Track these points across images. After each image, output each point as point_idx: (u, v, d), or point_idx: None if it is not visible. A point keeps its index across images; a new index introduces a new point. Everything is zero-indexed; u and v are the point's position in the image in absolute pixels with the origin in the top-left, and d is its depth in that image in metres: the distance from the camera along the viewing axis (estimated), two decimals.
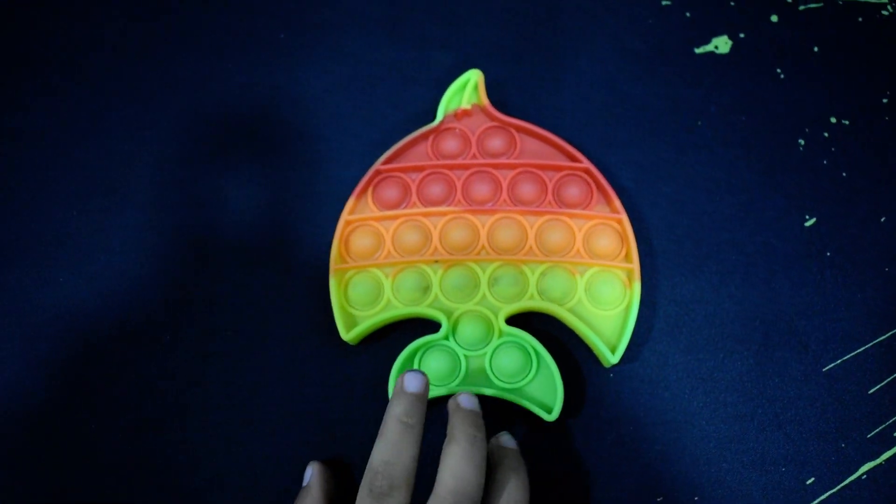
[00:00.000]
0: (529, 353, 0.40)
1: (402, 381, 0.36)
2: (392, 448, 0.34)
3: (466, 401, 0.36)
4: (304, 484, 0.38)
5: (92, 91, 0.47)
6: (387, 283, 0.42)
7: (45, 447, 0.41)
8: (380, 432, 0.34)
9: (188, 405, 0.41)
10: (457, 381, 0.40)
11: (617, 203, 0.42)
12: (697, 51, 0.47)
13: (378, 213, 0.43)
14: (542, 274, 0.42)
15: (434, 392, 0.39)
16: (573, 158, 0.43)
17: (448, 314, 0.41)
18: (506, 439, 0.38)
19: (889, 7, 0.49)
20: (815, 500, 0.39)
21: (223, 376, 0.42)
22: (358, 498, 0.33)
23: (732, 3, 0.49)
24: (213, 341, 0.42)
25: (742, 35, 0.48)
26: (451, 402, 0.37)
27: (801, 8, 0.49)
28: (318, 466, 0.39)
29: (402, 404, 0.35)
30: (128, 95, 0.47)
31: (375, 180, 0.43)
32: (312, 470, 0.39)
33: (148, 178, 0.45)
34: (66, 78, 0.48)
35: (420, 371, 0.36)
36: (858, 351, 0.42)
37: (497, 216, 0.42)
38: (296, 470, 0.40)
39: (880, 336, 0.42)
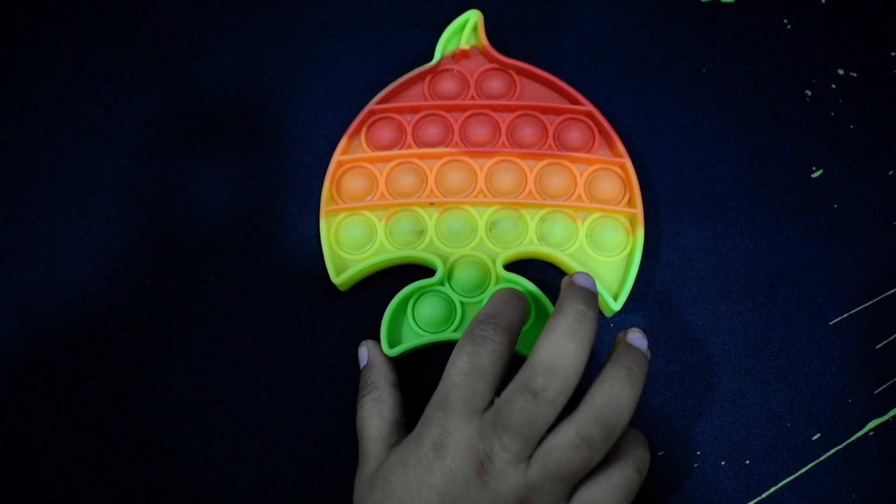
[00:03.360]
0: (528, 300, 0.37)
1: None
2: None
3: (582, 279, 0.32)
4: (362, 364, 0.36)
5: (58, 67, 0.44)
6: (380, 227, 0.38)
7: (30, 396, 0.37)
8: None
9: (172, 351, 0.38)
10: (452, 328, 0.36)
11: (620, 147, 0.39)
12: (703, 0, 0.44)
13: (371, 154, 0.39)
14: (542, 219, 0.38)
15: (428, 339, 0.36)
16: (575, 101, 0.40)
17: (444, 259, 0.37)
18: (635, 337, 0.32)
19: None
20: (820, 456, 0.36)
21: (209, 320, 0.38)
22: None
23: None
24: (198, 285, 0.39)
25: None
26: (564, 280, 0.32)
27: None
28: (372, 343, 0.36)
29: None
30: (112, 35, 0.43)
31: (369, 121, 0.40)
32: (367, 348, 0.36)
33: (133, 118, 0.41)
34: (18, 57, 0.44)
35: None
36: (865, 305, 0.39)
37: (495, 159, 0.39)
38: (283, 416, 0.37)
39: (888, 290, 0.39)
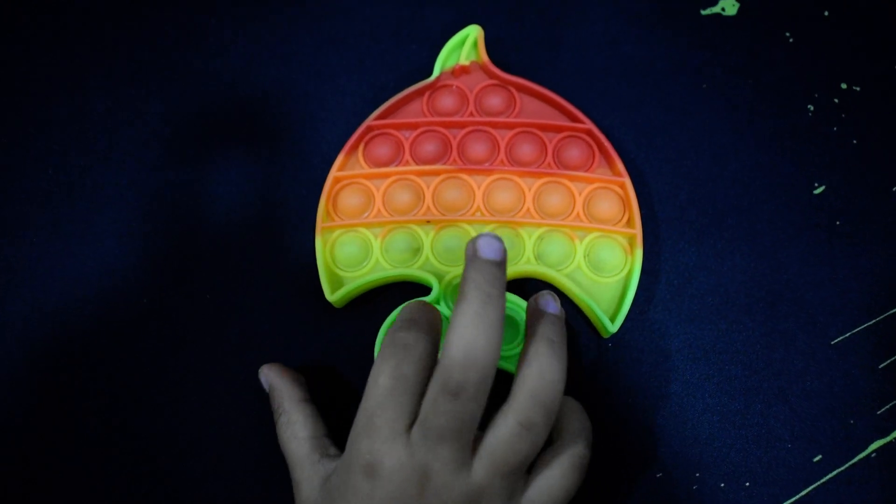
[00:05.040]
0: (524, 320, 0.36)
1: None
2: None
3: (487, 248, 0.28)
4: (268, 389, 0.34)
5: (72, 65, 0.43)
6: (376, 244, 0.37)
7: (25, 414, 0.36)
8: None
9: (167, 370, 0.37)
10: None
11: (620, 166, 0.37)
12: (703, 12, 0.42)
13: (368, 171, 0.38)
14: (540, 238, 0.37)
15: None
16: (575, 119, 0.38)
17: (439, 277, 0.36)
18: (546, 301, 0.31)
19: None
20: (822, 478, 0.35)
21: (205, 338, 0.37)
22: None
23: None
24: (194, 303, 0.38)
25: None
26: (468, 247, 0.29)
27: None
28: (267, 368, 0.34)
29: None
30: (107, 52, 0.42)
31: (367, 137, 0.38)
32: (264, 374, 0.34)
33: (129, 136, 0.40)
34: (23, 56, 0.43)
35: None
36: (868, 324, 0.37)
37: (493, 177, 0.38)
38: (275, 437, 0.36)
39: (891, 309, 0.37)
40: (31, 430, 0.36)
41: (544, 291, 0.32)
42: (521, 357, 0.29)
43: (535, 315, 0.30)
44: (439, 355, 0.28)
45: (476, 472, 0.28)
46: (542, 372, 0.28)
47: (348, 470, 0.28)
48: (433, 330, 0.30)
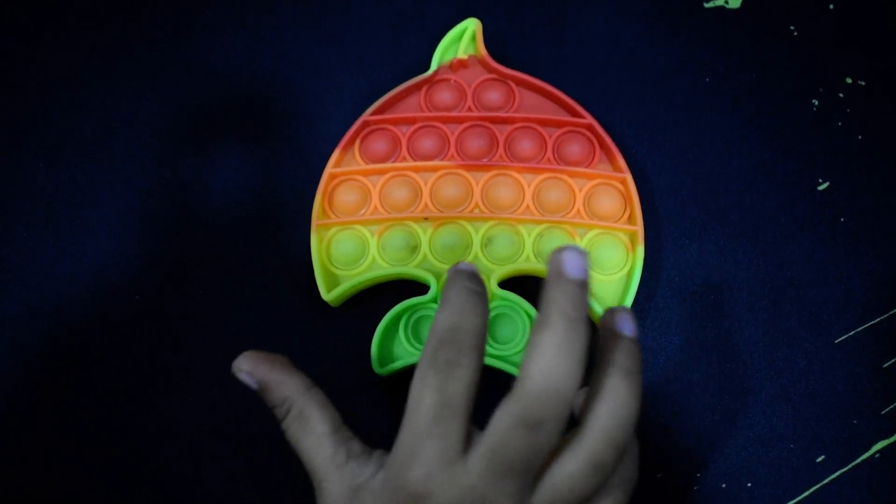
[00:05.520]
0: (524, 319, 0.35)
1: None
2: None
3: (573, 265, 0.25)
4: (255, 388, 0.29)
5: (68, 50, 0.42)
6: (372, 242, 0.36)
7: (17, 414, 0.36)
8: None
9: (162, 370, 0.36)
10: None
11: (621, 162, 0.37)
12: (707, 5, 0.41)
13: (365, 167, 0.37)
14: (540, 235, 0.36)
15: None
16: (575, 114, 0.38)
17: (437, 276, 0.35)
18: (622, 320, 0.27)
19: None
20: (824, 478, 0.34)
21: (199, 337, 0.36)
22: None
23: None
24: (188, 301, 0.37)
25: None
26: (551, 261, 0.25)
27: None
28: (245, 361, 0.29)
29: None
30: (103, 46, 0.41)
31: (363, 132, 0.38)
32: (247, 370, 0.28)
33: (124, 131, 0.40)
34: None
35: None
36: (872, 323, 0.37)
37: (492, 173, 0.37)
38: (273, 436, 0.35)
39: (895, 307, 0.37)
40: (26, 430, 0.36)
41: (620, 308, 0.28)
42: (595, 387, 0.26)
43: (609, 337, 0.27)
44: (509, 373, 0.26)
45: None
46: (617, 411, 0.25)
47: (392, 498, 0.26)
48: (481, 341, 0.26)
